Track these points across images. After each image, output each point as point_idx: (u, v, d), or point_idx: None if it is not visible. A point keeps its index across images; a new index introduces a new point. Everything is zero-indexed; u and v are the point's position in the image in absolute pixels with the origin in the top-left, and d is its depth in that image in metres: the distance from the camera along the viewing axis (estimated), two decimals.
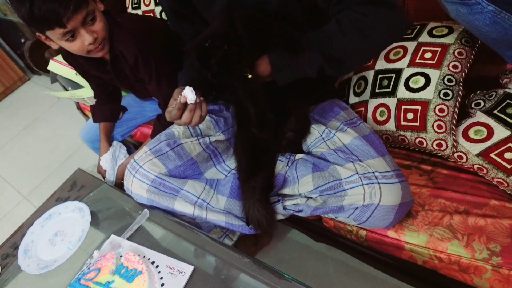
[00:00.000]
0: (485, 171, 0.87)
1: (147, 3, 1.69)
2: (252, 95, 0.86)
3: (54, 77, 1.62)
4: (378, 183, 0.81)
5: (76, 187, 1.19)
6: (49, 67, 1.54)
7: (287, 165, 1.02)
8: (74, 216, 1.06)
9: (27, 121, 2.79)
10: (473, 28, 0.85)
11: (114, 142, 1.42)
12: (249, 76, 0.81)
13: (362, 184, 0.82)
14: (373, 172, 0.83)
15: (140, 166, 0.98)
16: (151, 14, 1.70)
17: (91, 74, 1.29)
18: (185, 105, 0.82)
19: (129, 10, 1.81)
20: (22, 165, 2.42)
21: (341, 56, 0.78)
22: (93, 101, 1.45)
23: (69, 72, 1.48)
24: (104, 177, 1.36)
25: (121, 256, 0.87)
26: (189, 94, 0.81)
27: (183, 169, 1.01)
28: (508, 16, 0.77)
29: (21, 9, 0.92)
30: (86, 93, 1.50)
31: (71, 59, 1.22)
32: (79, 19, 0.96)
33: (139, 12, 1.77)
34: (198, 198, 0.98)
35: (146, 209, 0.98)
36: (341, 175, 0.86)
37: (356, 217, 0.86)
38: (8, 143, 2.67)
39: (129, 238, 0.93)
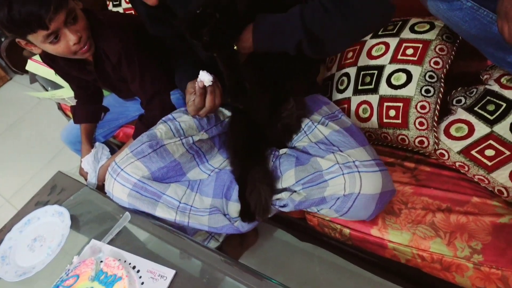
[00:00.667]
0: (466, 168, 0.88)
1: (127, 0, 1.66)
2: (230, 61, 0.84)
3: (34, 77, 1.58)
4: (358, 171, 0.81)
5: (56, 190, 1.16)
6: (27, 67, 1.50)
7: (272, 160, 1.01)
8: (54, 220, 1.03)
9: (9, 121, 2.73)
10: (453, 25, 0.84)
11: (96, 144, 1.39)
12: (235, 47, 0.81)
13: (343, 174, 0.82)
14: (353, 161, 0.83)
15: (122, 169, 0.96)
16: (132, 12, 1.67)
17: (72, 76, 1.25)
18: (204, 89, 0.83)
19: (110, 7, 1.77)
20: (4, 167, 2.37)
21: (322, 34, 0.77)
22: (74, 102, 1.42)
23: (48, 72, 1.44)
24: (86, 180, 1.33)
25: (101, 262, 0.85)
26: (205, 76, 0.81)
27: (166, 171, 0.99)
28: (487, 12, 0.77)
29: None
30: (67, 93, 1.46)
31: (49, 60, 1.19)
32: (61, 19, 0.93)
33: (120, 9, 1.73)
34: (180, 202, 0.97)
35: (127, 212, 0.96)
36: (322, 166, 0.86)
37: (338, 208, 0.85)
38: None
39: (110, 242, 0.91)
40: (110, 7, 1.77)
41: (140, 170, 0.96)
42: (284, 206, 0.94)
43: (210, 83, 0.82)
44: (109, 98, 1.46)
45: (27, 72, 1.58)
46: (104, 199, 1.03)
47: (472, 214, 0.81)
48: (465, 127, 0.88)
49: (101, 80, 1.20)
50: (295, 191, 0.91)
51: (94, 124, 1.41)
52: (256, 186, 0.91)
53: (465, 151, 0.87)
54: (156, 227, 0.93)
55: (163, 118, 1.10)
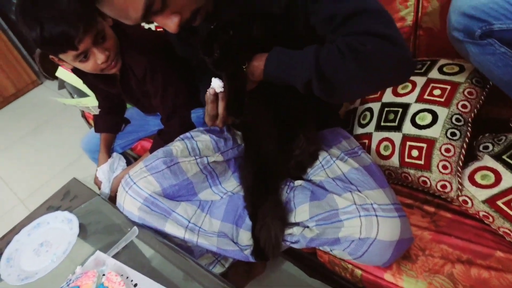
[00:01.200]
0: (491, 219, 0.83)
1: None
2: (236, 81, 0.81)
3: (62, 84, 1.62)
4: (376, 215, 0.78)
5: (68, 196, 1.16)
6: (57, 73, 1.54)
7: (286, 192, 0.99)
8: (63, 227, 1.03)
9: (34, 124, 2.81)
10: (484, 69, 0.82)
11: (114, 154, 1.40)
12: (244, 68, 0.79)
13: (359, 216, 0.79)
14: (371, 204, 0.80)
15: (134, 183, 0.96)
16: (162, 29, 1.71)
17: (98, 87, 1.29)
18: (216, 96, 0.80)
19: (142, 24, 1.82)
20: (23, 167, 2.42)
21: (333, 77, 0.72)
22: (97, 111, 1.45)
23: (76, 80, 1.48)
24: (100, 189, 1.33)
25: (103, 275, 0.84)
26: (216, 83, 0.79)
27: (178, 189, 0.98)
28: None
29: (31, 34, 0.92)
30: (91, 102, 1.49)
31: (78, 71, 1.22)
32: (90, 39, 0.96)
33: (151, 27, 1.78)
34: (189, 222, 0.96)
35: (135, 227, 0.95)
36: (338, 204, 0.83)
37: (352, 251, 0.82)
38: (14, 144, 2.68)
39: (115, 256, 0.90)
40: (143, 24, 1.82)
41: (152, 185, 0.95)
42: (295, 242, 0.91)
43: (221, 89, 0.79)
44: (131, 111, 1.48)
45: (57, 78, 1.63)
46: (114, 211, 1.02)
47: (496, 269, 0.76)
48: (492, 175, 0.84)
49: (125, 94, 1.23)
50: (307, 227, 0.89)
51: (113, 135, 1.43)
52: (266, 222, 0.89)
53: (490, 201, 0.83)
54: (162, 245, 0.92)
55: (181, 136, 1.10)
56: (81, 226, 1.00)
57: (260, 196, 0.94)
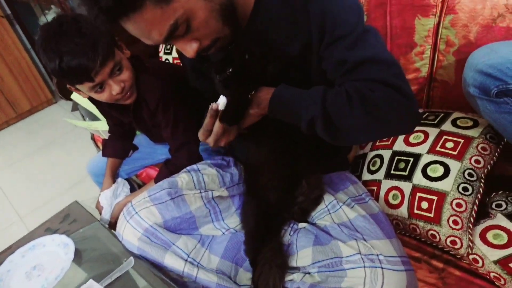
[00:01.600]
0: (502, 281, 0.79)
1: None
2: (240, 105, 0.80)
3: (76, 106, 1.65)
4: (382, 267, 0.75)
5: (68, 220, 1.15)
6: (72, 96, 1.57)
7: (289, 234, 0.96)
8: (58, 250, 1.00)
9: (43, 142, 2.84)
10: (499, 127, 0.82)
11: (118, 179, 1.39)
12: (250, 94, 0.78)
13: (364, 266, 0.76)
14: (377, 255, 0.77)
15: (136, 212, 0.94)
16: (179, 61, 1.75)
17: (111, 114, 1.30)
18: (217, 112, 0.77)
19: (161, 54, 1.88)
20: (27, 184, 2.41)
21: (337, 120, 0.71)
22: (107, 135, 1.45)
23: (90, 104, 1.50)
24: (100, 214, 1.31)
25: None
26: (222, 100, 0.76)
27: (179, 221, 0.96)
28: None
29: (50, 65, 0.94)
30: (102, 126, 1.51)
31: (93, 99, 1.24)
32: (106, 71, 0.98)
33: (169, 57, 1.83)
34: (188, 256, 0.93)
35: (131, 257, 0.92)
36: (342, 252, 0.81)
37: None
38: (21, 160, 2.69)
39: (108, 286, 0.87)
40: (162, 53, 1.88)
41: (154, 216, 0.93)
42: None
43: (224, 107, 0.76)
44: (140, 137, 1.48)
45: (71, 99, 1.66)
46: (113, 239, 1.00)
47: None
48: (505, 235, 0.81)
49: (137, 123, 1.24)
50: (309, 273, 0.85)
51: (120, 160, 1.43)
52: (265, 269, 0.86)
53: (503, 262, 0.79)
54: (157, 279, 0.88)
55: (188, 168, 1.09)
56: (77, 252, 0.97)
57: (261, 241, 0.92)
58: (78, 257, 0.97)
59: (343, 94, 0.70)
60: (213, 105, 0.76)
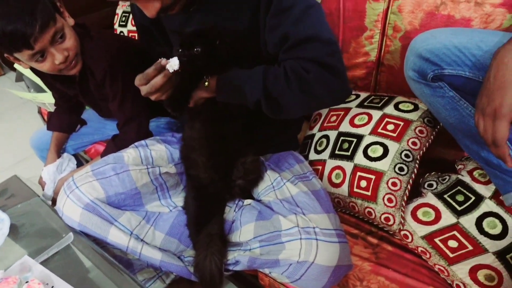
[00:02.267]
0: (428, 255, 0.85)
1: (134, 23, 1.69)
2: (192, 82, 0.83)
3: (20, 76, 1.55)
4: (316, 239, 0.79)
5: (5, 194, 1.09)
6: (16, 65, 1.47)
7: (234, 210, 0.97)
8: None
9: None
10: (434, 110, 0.86)
11: (64, 154, 1.34)
12: (206, 83, 0.82)
13: (300, 238, 0.79)
14: (314, 228, 0.80)
15: (77, 187, 0.91)
16: (136, 34, 1.69)
17: (56, 87, 1.23)
18: (163, 68, 0.77)
19: (116, 26, 1.80)
20: None
21: (279, 98, 0.79)
22: (53, 108, 1.38)
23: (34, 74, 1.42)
24: (43, 190, 1.26)
25: (26, 282, 0.78)
26: (175, 61, 0.76)
27: (124, 198, 0.94)
28: (467, 104, 0.79)
29: None
30: (48, 99, 1.43)
31: (35, 69, 1.17)
32: (47, 38, 0.92)
33: (124, 30, 1.76)
34: (132, 232, 0.91)
35: (71, 233, 0.89)
36: (282, 226, 0.83)
37: (290, 274, 0.81)
38: None
39: (43, 263, 0.84)
40: (116, 26, 1.80)
41: (96, 191, 0.91)
42: (236, 263, 0.89)
43: (172, 69, 0.77)
44: (90, 112, 1.43)
45: (15, 69, 1.56)
46: (53, 215, 0.97)
47: None
48: (432, 212, 0.87)
49: (83, 96, 1.18)
50: (249, 250, 0.87)
51: (66, 135, 1.37)
52: (200, 259, 0.87)
53: (428, 237, 0.85)
54: (97, 255, 0.87)
55: (136, 143, 1.06)
56: (13, 228, 0.93)
57: (203, 223, 0.92)
58: (14, 233, 0.93)
59: (282, 75, 0.78)
60: (162, 61, 0.77)
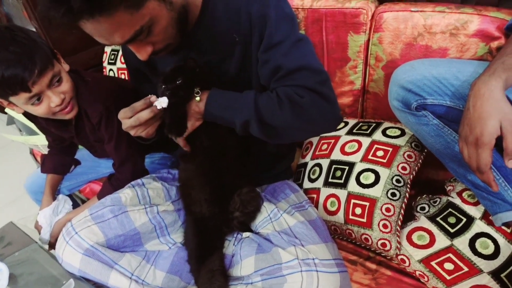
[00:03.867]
0: (426, 278, 0.87)
1: (123, 60, 1.72)
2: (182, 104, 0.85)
3: (11, 119, 1.56)
4: (317, 271, 0.79)
5: (2, 242, 1.08)
6: (7, 109, 1.48)
7: (234, 244, 0.98)
8: None
9: None
10: (420, 137, 0.90)
11: (59, 196, 1.33)
12: (197, 98, 0.83)
13: (301, 271, 0.80)
14: (313, 259, 0.82)
15: (76, 232, 0.91)
16: (126, 71, 1.72)
17: (49, 131, 1.25)
18: (151, 104, 0.81)
19: (105, 64, 1.83)
20: None
21: (271, 121, 0.80)
22: (46, 150, 1.39)
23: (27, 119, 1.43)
24: (40, 234, 1.25)
25: None
26: (163, 99, 0.80)
27: (123, 239, 0.94)
28: (450, 131, 0.83)
29: None
30: (41, 141, 1.44)
31: (29, 114, 1.18)
32: (45, 82, 0.94)
33: (114, 68, 1.79)
34: (132, 274, 0.91)
35: (71, 280, 0.89)
36: (282, 258, 0.84)
37: None
38: None
39: None
40: (106, 63, 1.83)
41: (96, 235, 0.91)
42: None
43: (160, 107, 0.80)
44: (83, 151, 1.43)
45: (6, 113, 1.57)
46: (52, 261, 0.96)
47: None
48: (427, 236, 0.89)
49: (78, 139, 1.20)
50: (251, 283, 0.88)
51: (61, 177, 1.37)
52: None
53: (425, 261, 0.87)
54: None
55: (132, 183, 1.08)
56: (12, 277, 0.92)
57: (204, 258, 0.93)
58: (13, 282, 0.93)
59: (274, 98, 0.80)
60: (152, 97, 0.81)
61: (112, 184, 1.16)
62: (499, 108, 0.67)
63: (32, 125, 1.43)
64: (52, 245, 1.21)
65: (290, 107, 0.78)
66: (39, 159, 1.68)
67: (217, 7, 0.85)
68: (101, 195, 1.16)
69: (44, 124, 1.18)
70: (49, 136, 1.29)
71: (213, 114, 0.84)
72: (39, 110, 1.00)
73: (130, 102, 1.11)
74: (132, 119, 0.82)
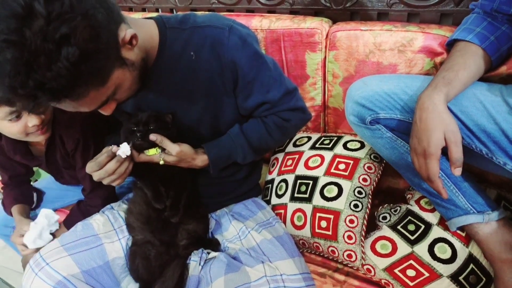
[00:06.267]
0: (391, 286, 0.90)
1: None
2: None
3: None
4: (284, 286, 0.81)
5: None
6: None
7: (200, 264, 0.98)
8: None
9: None
10: (376, 149, 0.94)
11: (42, 211, 1.24)
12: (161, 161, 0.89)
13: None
14: (281, 275, 0.83)
15: (47, 264, 0.88)
16: None
17: (11, 161, 1.20)
18: (114, 155, 0.83)
19: None
20: None
21: (263, 148, 1.00)
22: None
23: None
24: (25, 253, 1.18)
25: None
26: (124, 146, 0.83)
27: (99, 272, 0.92)
28: (403, 143, 0.87)
29: None
30: None
31: None
32: None
33: None
34: None
35: None
36: (250, 277, 0.85)
37: None
38: None
39: None
40: None
41: (69, 267, 0.88)
42: None
43: (124, 156, 0.83)
44: (49, 180, 1.40)
45: None
46: None
47: None
48: (389, 244, 0.92)
49: (48, 165, 1.17)
50: None
51: (26, 206, 1.33)
52: None
53: (389, 269, 0.90)
54: None
55: (102, 209, 1.07)
56: None
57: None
58: None
59: (262, 127, 0.96)
60: (114, 147, 0.83)
61: (81, 210, 1.15)
62: (442, 120, 0.72)
63: None
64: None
65: (279, 132, 0.97)
66: None
67: (176, 43, 0.85)
68: (69, 222, 1.14)
69: (10, 151, 1.14)
70: (6, 171, 1.25)
71: (219, 166, 0.97)
72: (14, 128, 0.97)
73: (105, 128, 1.11)
74: (101, 171, 0.84)
